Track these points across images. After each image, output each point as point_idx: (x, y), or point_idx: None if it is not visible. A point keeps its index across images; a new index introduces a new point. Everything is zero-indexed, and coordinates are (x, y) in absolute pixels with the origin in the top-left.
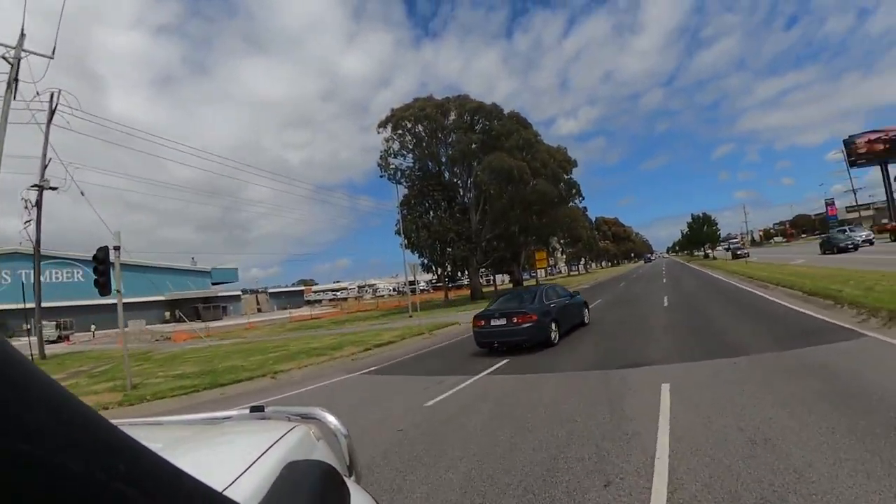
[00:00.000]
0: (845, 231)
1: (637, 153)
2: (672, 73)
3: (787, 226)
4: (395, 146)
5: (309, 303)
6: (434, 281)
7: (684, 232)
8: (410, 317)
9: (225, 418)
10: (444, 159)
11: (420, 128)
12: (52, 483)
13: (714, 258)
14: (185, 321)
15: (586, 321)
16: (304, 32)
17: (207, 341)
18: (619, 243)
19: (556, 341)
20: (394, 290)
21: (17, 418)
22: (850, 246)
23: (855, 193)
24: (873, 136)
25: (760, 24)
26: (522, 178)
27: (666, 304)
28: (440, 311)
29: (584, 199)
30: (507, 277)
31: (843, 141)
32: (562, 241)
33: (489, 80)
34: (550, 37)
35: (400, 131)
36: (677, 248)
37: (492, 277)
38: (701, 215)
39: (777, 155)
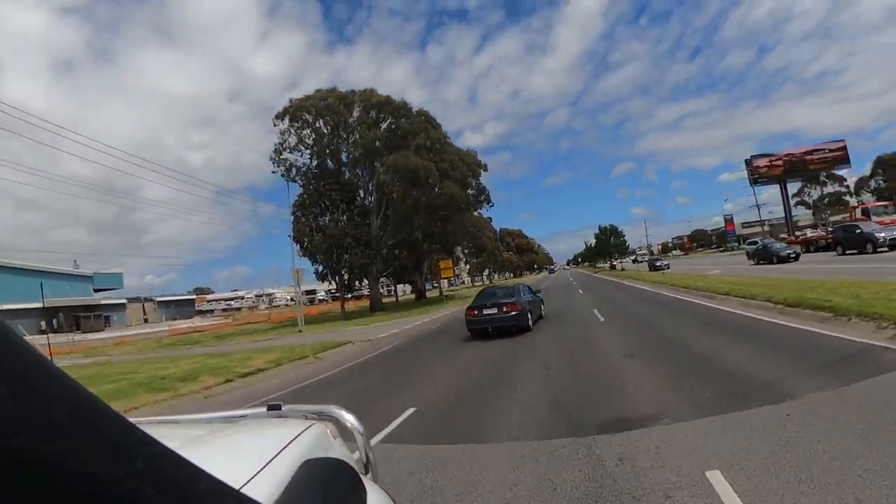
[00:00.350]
0: (763, 242)
1: (540, 169)
2: (578, 93)
3: (686, 239)
4: (292, 140)
5: (201, 313)
6: (333, 290)
7: (589, 244)
8: (300, 331)
9: (242, 416)
10: (345, 157)
11: (321, 122)
12: (72, 481)
13: (623, 269)
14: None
15: (543, 314)
16: (216, 26)
17: (66, 360)
18: (523, 255)
19: (531, 327)
20: (291, 299)
21: (38, 417)
22: (791, 255)
23: (759, 209)
24: (774, 158)
25: (666, 54)
26: (429, 179)
27: (602, 319)
28: (335, 325)
29: (492, 205)
30: (409, 287)
31: (746, 161)
32: (466, 251)
33: (400, 88)
34: (463, 51)
35: (298, 123)
36: (580, 259)
37: (393, 287)
38: (608, 227)
39: (673, 175)
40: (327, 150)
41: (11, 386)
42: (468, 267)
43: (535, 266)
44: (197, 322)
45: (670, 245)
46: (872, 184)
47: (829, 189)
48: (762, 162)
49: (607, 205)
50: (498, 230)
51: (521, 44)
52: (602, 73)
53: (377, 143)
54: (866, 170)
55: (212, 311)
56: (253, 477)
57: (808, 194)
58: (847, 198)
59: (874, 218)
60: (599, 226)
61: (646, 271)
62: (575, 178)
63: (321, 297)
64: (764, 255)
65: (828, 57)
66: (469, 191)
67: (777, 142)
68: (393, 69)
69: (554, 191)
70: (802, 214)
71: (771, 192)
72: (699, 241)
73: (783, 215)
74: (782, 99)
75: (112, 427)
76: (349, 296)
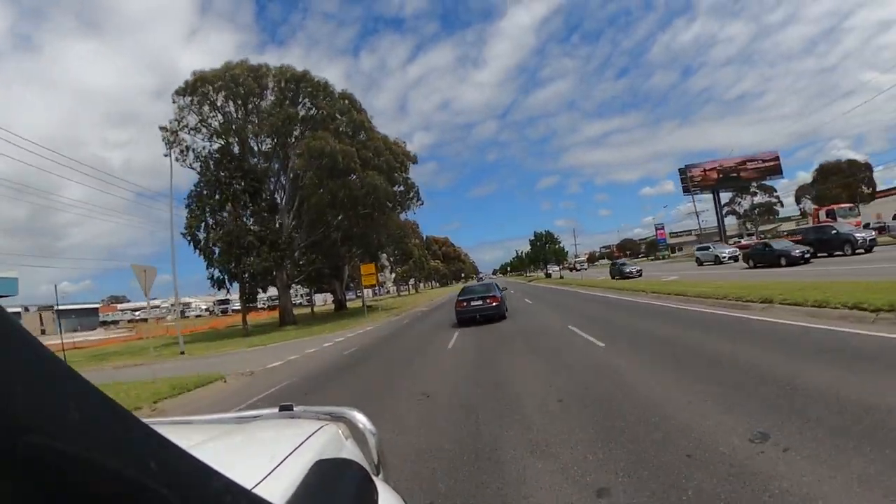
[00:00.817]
0: (709, 248)
1: (466, 180)
2: (507, 107)
3: (615, 249)
4: (192, 119)
5: (105, 323)
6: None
7: (520, 252)
8: (182, 353)
9: (254, 417)
10: (254, 144)
11: (224, 97)
12: (86, 480)
13: (561, 277)
14: None
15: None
16: (145, 19)
17: None
18: (450, 263)
19: (507, 315)
20: (206, 309)
21: (53, 415)
22: (804, 256)
23: (698, 216)
24: (709, 167)
25: (594, 72)
26: (350, 166)
27: (603, 344)
28: (228, 345)
29: (422, 203)
30: (330, 297)
31: (679, 169)
32: (391, 259)
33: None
34: (396, 60)
35: (198, 97)
36: (508, 269)
37: (311, 297)
38: (544, 233)
39: (596, 188)
40: (232, 129)
41: (28, 385)
42: (393, 275)
43: (463, 275)
44: (98, 334)
45: (598, 254)
46: (813, 191)
47: (760, 199)
48: (696, 171)
49: (531, 216)
50: (424, 237)
51: (454, 55)
52: (531, 88)
53: (292, 125)
54: (799, 180)
55: (116, 322)
56: (265, 477)
57: (739, 204)
58: (777, 207)
59: (840, 219)
60: (535, 231)
61: (595, 278)
62: (500, 189)
63: (235, 308)
64: (765, 258)
65: (748, 81)
66: (397, 187)
67: (696, 158)
68: (324, 73)
69: (479, 202)
70: (730, 224)
71: (690, 206)
72: (627, 249)
73: (712, 224)
74: (703, 119)
75: (125, 427)
76: (250, 306)
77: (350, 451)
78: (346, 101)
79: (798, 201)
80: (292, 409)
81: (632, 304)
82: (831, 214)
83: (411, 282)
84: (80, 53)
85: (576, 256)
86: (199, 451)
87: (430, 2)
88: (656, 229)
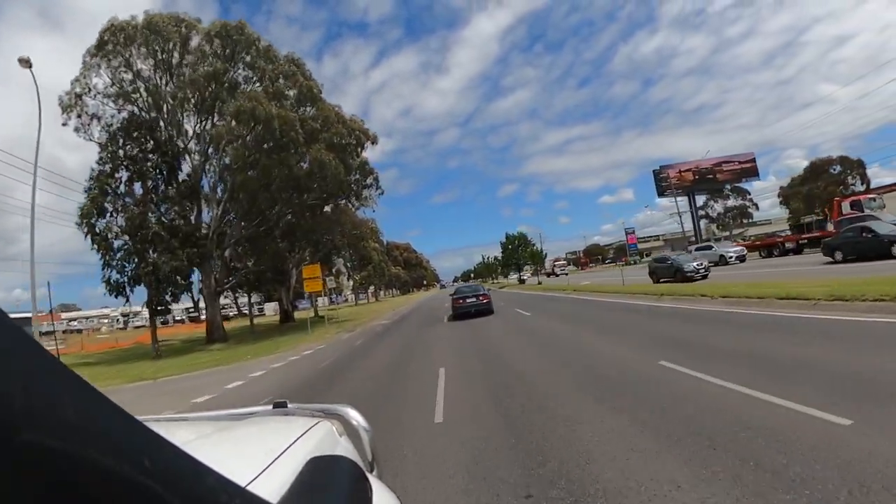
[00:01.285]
0: (711, 247)
1: (428, 187)
2: (470, 114)
3: (581, 254)
4: (100, 82)
5: (43, 334)
6: (190, 309)
7: (487, 258)
8: None
9: (248, 414)
10: (174, 109)
11: (136, 51)
12: (80, 477)
13: (539, 282)
14: None
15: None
16: (105, 15)
17: None
18: (411, 270)
19: (494, 312)
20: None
21: (48, 413)
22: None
23: (681, 216)
24: (684, 168)
25: (556, 81)
26: (291, 138)
27: None
28: (122, 374)
29: (382, 192)
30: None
31: (654, 171)
32: (348, 264)
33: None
34: (359, 65)
35: (110, 48)
36: (472, 275)
37: (261, 306)
38: (517, 235)
39: (557, 196)
40: (145, 89)
41: (23, 383)
42: (352, 283)
43: (425, 282)
44: None
45: (564, 260)
46: (804, 190)
47: (732, 202)
48: (672, 172)
49: (492, 224)
50: (385, 242)
51: (418, 62)
52: (494, 96)
53: (221, 87)
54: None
55: (52, 333)
56: (259, 474)
57: (712, 207)
58: (752, 210)
59: (867, 211)
60: (507, 233)
61: (601, 283)
62: (462, 197)
63: (178, 318)
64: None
65: (707, 92)
66: (352, 175)
67: (655, 167)
68: None
69: (441, 209)
70: (703, 228)
71: (649, 213)
72: (595, 255)
73: (677, 229)
74: (662, 128)
75: (119, 424)
76: (162, 320)
77: (344, 448)
78: (293, 66)
79: (786, 202)
80: (286, 406)
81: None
82: (857, 206)
83: (371, 290)
84: (40, 50)
85: (556, 260)
86: (194, 449)
87: (394, 7)
88: (626, 233)
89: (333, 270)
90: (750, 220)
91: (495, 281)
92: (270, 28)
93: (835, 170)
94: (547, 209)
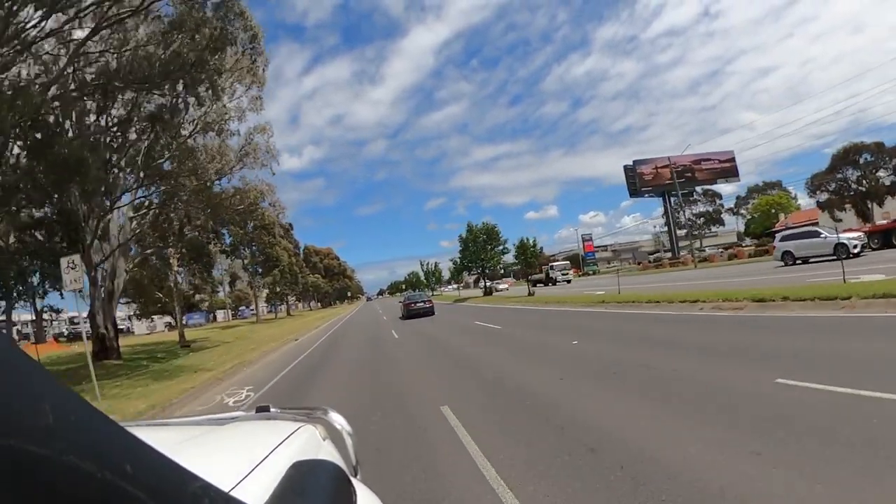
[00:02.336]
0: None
1: (354, 198)
2: (400, 126)
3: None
4: None
5: None
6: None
7: (426, 264)
8: None
9: (231, 419)
10: None
11: None
12: (61, 483)
13: (531, 293)
14: None
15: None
16: None
17: None
18: (333, 279)
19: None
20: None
21: (28, 418)
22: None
23: (670, 216)
24: (661, 164)
25: (488, 97)
26: None
27: None
28: None
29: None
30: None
31: (625, 167)
32: (249, 267)
33: None
34: (292, 69)
35: None
36: (403, 286)
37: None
38: (485, 226)
39: (482, 211)
40: None
41: (1, 388)
42: (266, 292)
43: (350, 294)
44: None
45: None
46: (832, 185)
47: (702, 208)
48: (646, 169)
49: (417, 237)
50: (302, 246)
51: (352, 70)
52: (426, 109)
53: None
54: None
55: None
56: (243, 479)
57: (682, 212)
58: (725, 216)
59: None
60: (469, 224)
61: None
62: (388, 209)
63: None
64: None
65: (633, 115)
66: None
67: (579, 185)
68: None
69: (366, 220)
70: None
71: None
72: (545, 264)
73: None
74: (589, 148)
75: (101, 430)
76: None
77: (328, 452)
78: None
79: (814, 193)
80: (269, 411)
81: None
82: None
83: (286, 302)
84: None
85: (550, 261)
86: (176, 454)
87: (333, 13)
88: (583, 241)
89: (208, 275)
90: (723, 226)
91: (436, 292)
92: None
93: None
94: (473, 223)
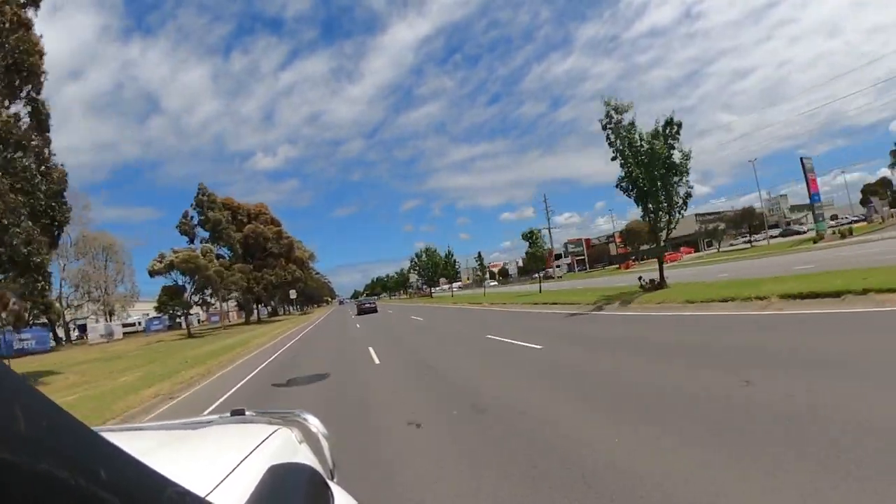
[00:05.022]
0: None
1: (329, 199)
2: (377, 125)
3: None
4: None
5: None
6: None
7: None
8: None
9: (206, 423)
10: None
11: None
12: (34, 491)
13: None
14: None
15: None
16: None
17: None
18: (266, 266)
19: (378, 311)
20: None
21: None
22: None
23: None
24: None
25: (467, 96)
26: None
27: None
28: None
29: None
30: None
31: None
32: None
33: (192, 97)
34: (269, 65)
35: None
36: (380, 290)
37: None
38: (425, 250)
39: (458, 212)
40: None
41: None
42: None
43: (327, 300)
44: None
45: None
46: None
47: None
48: None
49: (392, 239)
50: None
51: (330, 67)
52: (404, 107)
53: None
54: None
55: None
56: (219, 484)
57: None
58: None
59: None
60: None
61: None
62: (363, 211)
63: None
64: None
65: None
66: None
67: (557, 186)
68: (190, 73)
69: (341, 223)
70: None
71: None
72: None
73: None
74: (566, 149)
75: (74, 435)
76: None
77: (304, 456)
78: None
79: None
80: (244, 414)
81: None
82: None
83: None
84: None
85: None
86: (151, 459)
87: (313, 6)
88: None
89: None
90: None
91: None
92: (179, 14)
93: None
94: (448, 225)
